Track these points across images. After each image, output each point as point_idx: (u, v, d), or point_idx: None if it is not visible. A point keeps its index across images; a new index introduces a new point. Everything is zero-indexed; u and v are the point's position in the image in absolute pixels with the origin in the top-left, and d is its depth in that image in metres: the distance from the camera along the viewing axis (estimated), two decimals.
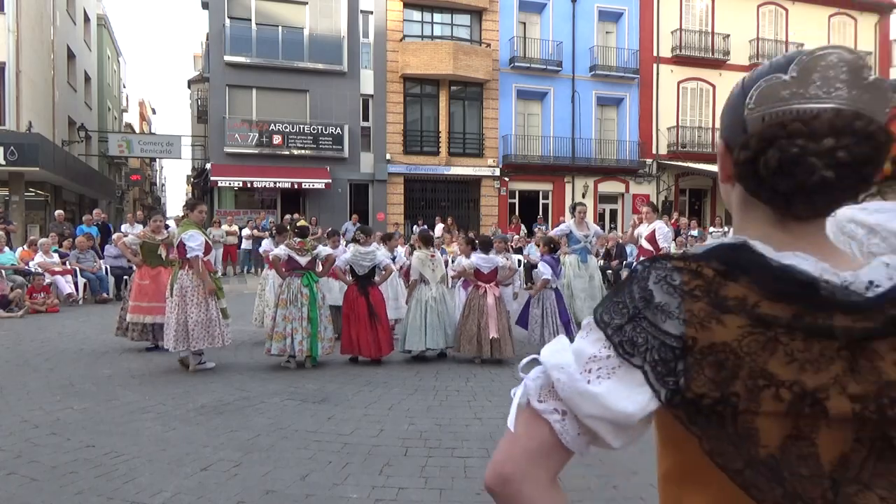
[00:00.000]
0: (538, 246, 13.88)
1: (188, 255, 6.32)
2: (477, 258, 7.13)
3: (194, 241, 6.31)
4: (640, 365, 0.76)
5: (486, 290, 7.01)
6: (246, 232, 17.55)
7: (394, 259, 8.34)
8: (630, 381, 0.77)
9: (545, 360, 0.82)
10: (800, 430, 0.73)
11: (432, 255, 7.26)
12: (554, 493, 0.80)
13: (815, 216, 0.81)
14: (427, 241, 7.39)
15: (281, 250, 6.75)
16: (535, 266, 12.59)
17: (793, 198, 0.79)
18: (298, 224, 7.17)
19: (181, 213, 7.12)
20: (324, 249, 7.00)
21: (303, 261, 6.67)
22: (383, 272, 7.15)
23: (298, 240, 6.77)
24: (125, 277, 10.00)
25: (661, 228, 7.84)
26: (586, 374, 0.78)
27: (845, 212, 1.31)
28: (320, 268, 6.88)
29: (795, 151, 0.76)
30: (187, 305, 6.30)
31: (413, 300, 7.12)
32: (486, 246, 7.22)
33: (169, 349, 6.38)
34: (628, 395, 0.76)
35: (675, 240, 12.66)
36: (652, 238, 7.82)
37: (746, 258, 0.77)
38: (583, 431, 0.79)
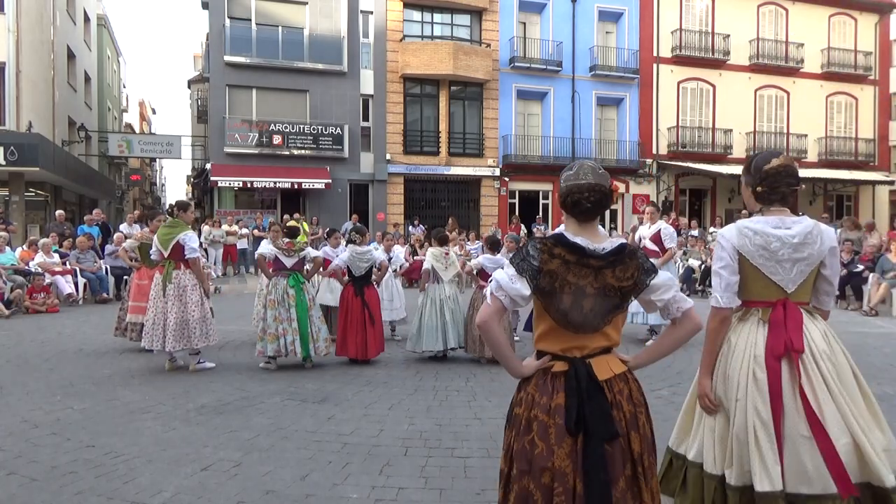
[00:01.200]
0: None
1: (188, 256, 6.36)
2: (483, 258, 7.13)
3: (194, 241, 6.46)
4: (525, 277, 1.98)
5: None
6: (244, 231, 17.55)
7: (390, 259, 8.34)
8: (523, 283, 1.98)
9: (497, 278, 2.03)
10: (577, 298, 1.95)
11: (446, 254, 7.27)
12: (501, 328, 2.09)
13: (587, 221, 2.05)
14: (442, 241, 7.41)
15: (267, 249, 6.70)
16: None
17: (579, 215, 2.04)
18: (288, 224, 7.08)
19: (169, 213, 7.18)
20: (311, 251, 6.97)
21: (288, 262, 6.59)
22: (378, 270, 7.16)
23: (287, 240, 6.69)
24: (125, 277, 9.98)
25: (667, 229, 7.86)
26: (511, 281, 2.00)
27: (742, 222, 2.45)
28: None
29: (576, 198, 2.02)
30: (187, 304, 6.32)
31: (427, 300, 7.06)
32: (494, 246, 7.22)
33: (169, 349, 6.36)
34: (523, 288, 1.98)
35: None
36: (657, 239, 7.81)
37: (562, 239, 2.00)
38: (511, 303, 2.01)
